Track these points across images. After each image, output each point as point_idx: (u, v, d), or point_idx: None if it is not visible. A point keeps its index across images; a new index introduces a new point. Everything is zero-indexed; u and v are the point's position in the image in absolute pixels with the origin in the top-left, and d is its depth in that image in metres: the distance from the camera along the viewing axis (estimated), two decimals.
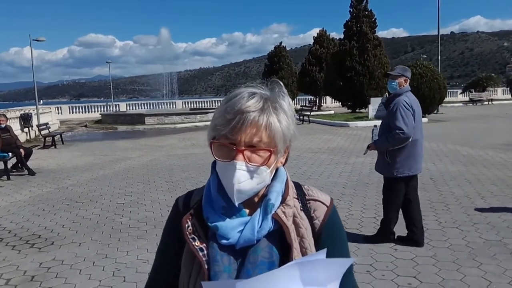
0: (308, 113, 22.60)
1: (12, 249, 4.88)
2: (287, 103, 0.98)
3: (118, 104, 36.93)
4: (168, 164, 10.42)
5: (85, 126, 24.59)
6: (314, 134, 16.46)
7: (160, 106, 35.56)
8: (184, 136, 17.29)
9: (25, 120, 18.42)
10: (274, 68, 35.84)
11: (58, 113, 30.93)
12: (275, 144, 0.94)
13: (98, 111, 33.02)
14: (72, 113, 33.06)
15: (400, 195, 4.46)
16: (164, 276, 1.08)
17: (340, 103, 28.70)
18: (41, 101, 27.59)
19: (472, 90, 39.62)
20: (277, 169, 1.02)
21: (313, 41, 34.60)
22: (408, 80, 4.54)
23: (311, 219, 1.02)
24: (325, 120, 21.67)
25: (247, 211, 0.99)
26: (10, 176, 9.18)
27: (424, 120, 19.71)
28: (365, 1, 26.76)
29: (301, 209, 1.02)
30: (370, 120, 19.59)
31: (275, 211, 0.97)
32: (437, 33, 28.18)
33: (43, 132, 15.72)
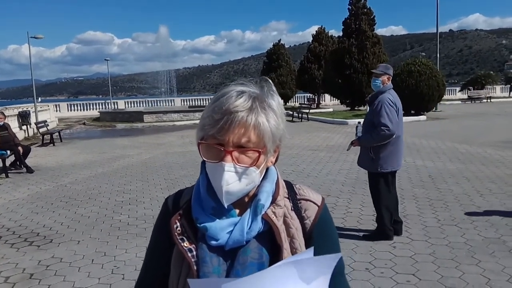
0: (307, 110, 22.63)
1: (11, 247, 4.87)
2: (276, 102, 0.96)
3: (117, 102, 36.91)
4: (167, 162, 10.41)
5: (84, 123, 24.56)
6: (313, 132, 16.46)
7: (158, 103, 35.57)
8: (183, 133, 17.27)
9: (23, 117, 18.39)
10: (272, 66, 35.84)
11: (56, 110, 30.89)
12: (264, 144, 0.93)
13: (96, 108, 32.93)
14: (70, 110, 33.00)
15: (386, 190, 4.59)
16: (154, 274, 1.07)
17: (338, 100, 28.73)
18: (39, 99, 27.52)
19: (471, 87, 39.68)
20: (267, 169, 1.01)
21: (312, 38, 34.61)
22: (391, 78, 4.69)
23: (302, 219, 1.00)
24: (324, 118, 21.68)
25: (237, 211, 0.98)
26: (9, 174, 9.17)
27: (423, 117, 19.77)
28: None
29: (292, 209, 1.00)
30: None
31: (265, 212, 0.95)
32: (436, 31, 28.16)
33: (41, 130, 15.70)
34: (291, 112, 22.57)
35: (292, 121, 21.53)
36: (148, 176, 8.68)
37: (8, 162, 9.49)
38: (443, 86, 21.80)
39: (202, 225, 0.95)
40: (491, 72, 44.33)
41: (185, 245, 0.95)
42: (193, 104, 35.24)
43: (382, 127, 4.33)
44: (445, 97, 26.25)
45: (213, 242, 0.94)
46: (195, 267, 0.93)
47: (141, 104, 35.71)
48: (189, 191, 1.06)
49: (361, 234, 4.81)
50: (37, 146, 14.53)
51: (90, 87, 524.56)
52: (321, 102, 35.24)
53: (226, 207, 0.94)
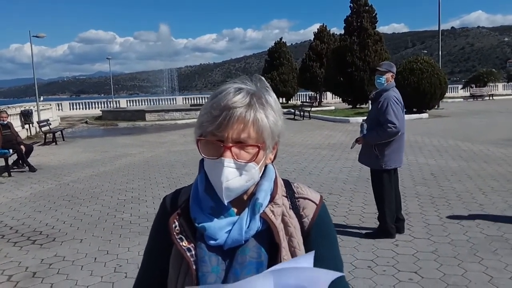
0: (309, 109, 22.57)
1: (14, 246, 4.89)
2: (273, 99, 0.97)
3: (119, 101, 36.98)
4: (169, 160, 10.42)
5: (86, 122, 24.59)
6: (314, 130, 16.45)
7: (160, 102, 35.61)
8: (185, 132, 17.27)
9: (26, 116, 18.43)
10: (274, 64, 35.79)
11: (59, 109, 30.95)
12: (263, 140, 0.93)
13: (98, 107, 32.95)
14: (73, 109, 33.03)
15: (389, 185, 4.60)
16: (152, 275, 1.06)
17: (340, 98, 28.65)
18: (42, 98, 27.53)
19: (473, 85, 39.48)
20: (265, 167, 1.00)
21: (313, 36, 34.50)
22: (394, 76, 4.70)
23: (300, 217, 1.00)
24: (325, 116, 21.63)
25: (235, 210, 0.97)
26: (11, 173, 9.20)
27: (425, 115, 19.72)
28: None
29: (290, 208, 1.00)
30: None
31: (263, 211, 0.95)
32: (437, 28, 28.06)
33: (43, 129, 15.74)
34: (292, 110, 22.53)
35: (294, 119, 21.51)
36: (150, 175, 8.70)
37: (10, 161, 9.52)
38: (445, 83, 21.71)
39: (200, 225, 0.94)
40: (493, 70, 44.08)
41: (184, 244, 0.95)
42: (195, 103, 35.24)
43: (389, 124, 4.35)
44: (447, 94, 26.19)
45: (212, 242, 0.93)
46: (194, 267, 0.93)
47: (143, 103, 35.77)
48: (186, 190, 1.05)
49: (363, 232, 4.81)
50: (40, 145, 14.56)
51: (92, 85, 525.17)
52: (322, 100, 35.16)
53: (225, 204, 0.94)
